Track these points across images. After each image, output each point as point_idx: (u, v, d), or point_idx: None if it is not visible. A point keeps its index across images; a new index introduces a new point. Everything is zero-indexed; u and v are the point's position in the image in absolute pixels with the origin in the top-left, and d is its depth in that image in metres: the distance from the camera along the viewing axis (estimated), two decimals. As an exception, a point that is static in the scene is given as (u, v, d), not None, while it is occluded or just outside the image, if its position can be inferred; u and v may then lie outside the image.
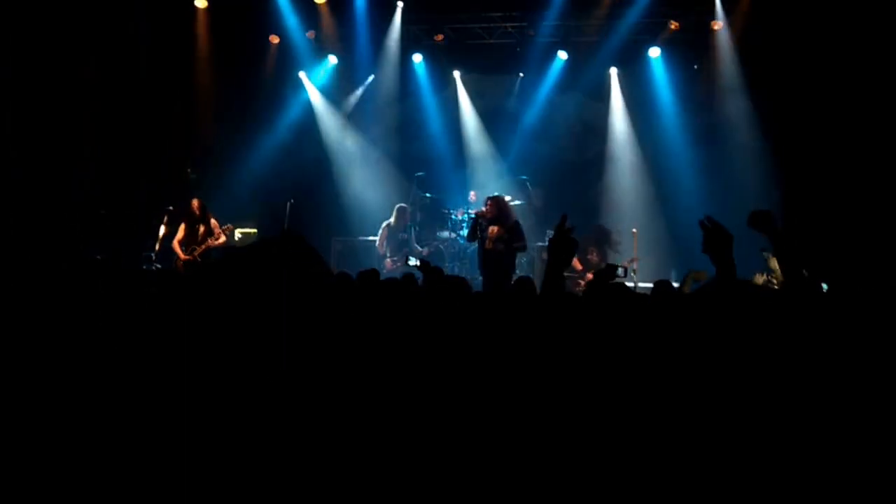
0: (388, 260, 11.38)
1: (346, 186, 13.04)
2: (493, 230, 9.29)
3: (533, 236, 12.45)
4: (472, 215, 10.06)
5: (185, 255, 10.29)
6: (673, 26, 12.36)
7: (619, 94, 13.06)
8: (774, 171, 11.68)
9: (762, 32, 11.74)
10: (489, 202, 9.43)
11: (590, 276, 9.23)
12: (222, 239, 10.31)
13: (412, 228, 11.95)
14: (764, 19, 11.68)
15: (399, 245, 11.67)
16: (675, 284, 6.50)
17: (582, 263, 10.83)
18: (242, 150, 12.59)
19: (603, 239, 11.22)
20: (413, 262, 8.86)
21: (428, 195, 12.54)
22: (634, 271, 10.48)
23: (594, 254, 10.90)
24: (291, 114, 13.21)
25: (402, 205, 11.84)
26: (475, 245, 9.87)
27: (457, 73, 13.50)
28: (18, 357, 2.50)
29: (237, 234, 11.97)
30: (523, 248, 9.52)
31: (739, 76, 12.12)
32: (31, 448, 2.15)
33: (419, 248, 11.83)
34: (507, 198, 11.20)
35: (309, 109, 13.31)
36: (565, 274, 10.43)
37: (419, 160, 13.24)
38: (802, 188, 11.15)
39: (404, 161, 13.34)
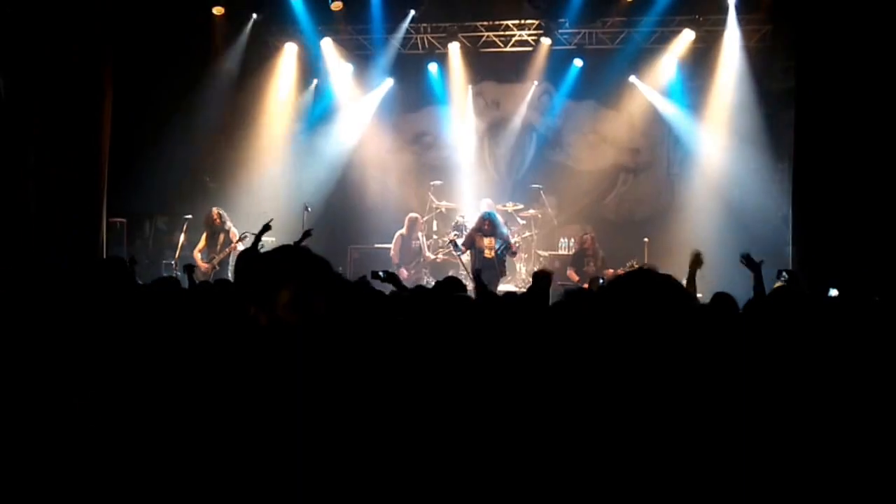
0: (403, 269, 11.44)
1: (362, 195, 13.11)
2: (489, 241, 10.70)
3: (547, 244, 12.53)
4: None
5: (204, 264, 10.30)
6: (688, 35, 12.38)
7: (634, 103, 13.06)
8: (789, 179, 11.63)
9: (779, 40, 11.74)
10: (487, 221, 10.75)
11: (587, 287, 9.62)
12: (239, 248, 10.17)
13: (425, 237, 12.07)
14: (781, 27, 11.66)
15: (413, 254, 11.76)
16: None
17: (578, 275, 11.11)
18: (260, 158, 12.69)
19: (596, 250, 11.43)
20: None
21: (443, 204, 12.63)
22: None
23: (590, 265, 11.17)
24: (308, 122, 13.31)
25: (414, 214, 11.93)
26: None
27: (470, 83, 13.55)
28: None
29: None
30: (514, 254, 11.07)
31: (754, 85, 12.08)
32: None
33: (432, 256, 11.92)
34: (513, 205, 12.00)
35: (325, 117, 13.38)
36: (561, 283, 10.75)
37: (435, 169, 13.33)
38: (817, 196, 11.09)
39: (420, 170, 13.42)
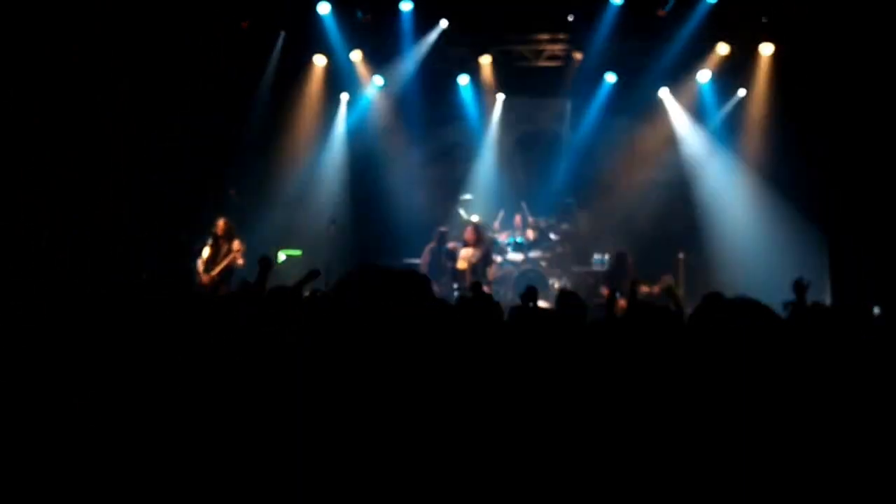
0: (434, 283, 11.29)
1: (391, 208, 13.01)
2: (466, 252, 11.00)
3: (578, 259, 12.32)
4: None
5: (204, 275, 10.12)
6: (721, 50, 12.17)
7: (667, 118, 12.85)
8: (823, 194, 11.37)
9: (811, 57, 11.50)
10: (471, 228, 11.11)
11: (622, 302, 9.38)
12: (240, 262, 9.88)
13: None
14: (810, 44, 11.43)
15: (442, 268, 11.61)
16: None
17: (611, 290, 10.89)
18: (286, 171, 12.67)
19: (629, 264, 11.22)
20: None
21: (472, 218, 12.48)
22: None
23: (623, 281, 10.97)
24: (336, 135, 13.24)
25: (444, 228, 11.79)
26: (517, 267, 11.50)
27: (500, 96, 13.44)
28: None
29: (281, 255, 11.95)
30: (489, 265, 11.16)
31: (789, 97, 11.82)
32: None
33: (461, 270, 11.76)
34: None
35: (354, 130, 13.31)
36: (596, 299, 10.59)
37: (464, 182, 13.20)
38: (853, 212, 10.85)
39: (450, 183, 13.29)
